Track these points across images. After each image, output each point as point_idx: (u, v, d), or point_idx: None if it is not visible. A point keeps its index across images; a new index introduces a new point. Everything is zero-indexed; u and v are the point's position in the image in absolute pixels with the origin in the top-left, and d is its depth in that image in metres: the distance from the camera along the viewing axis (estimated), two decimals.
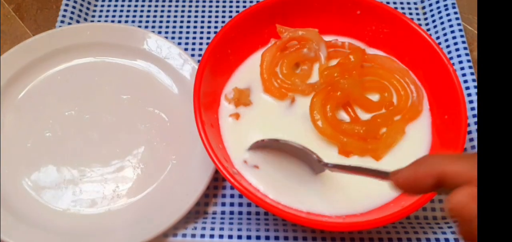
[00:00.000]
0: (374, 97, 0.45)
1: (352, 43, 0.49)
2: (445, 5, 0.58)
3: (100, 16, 0.60)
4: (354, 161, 0.42)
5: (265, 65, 0.46)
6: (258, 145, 0.41)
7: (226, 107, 0.45)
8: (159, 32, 0.58)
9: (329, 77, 0.44)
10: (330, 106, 0.43)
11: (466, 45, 0.55)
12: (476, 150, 0.48)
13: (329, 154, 0.42)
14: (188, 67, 0.51)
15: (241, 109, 0.45)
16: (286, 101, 0.45)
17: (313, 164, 0.40)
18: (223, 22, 0.59)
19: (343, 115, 0.44)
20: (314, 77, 0.46)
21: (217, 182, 0.48)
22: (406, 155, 0.42)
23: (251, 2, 0.61)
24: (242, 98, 0.45)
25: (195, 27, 0.59)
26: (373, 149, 0.42)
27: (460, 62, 0.54)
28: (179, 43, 0.57)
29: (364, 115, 0.44)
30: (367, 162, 0.42)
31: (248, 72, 0.47)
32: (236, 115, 0.44)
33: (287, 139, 0.42)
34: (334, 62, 0.47)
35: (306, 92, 0.45)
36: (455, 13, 0.57)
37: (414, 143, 0.43)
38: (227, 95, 0.45)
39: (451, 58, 0.54)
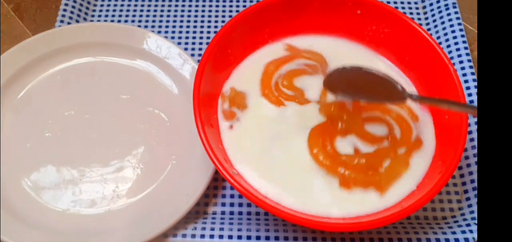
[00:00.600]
0: (376, 130, 0.44)
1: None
2: (446, 5, 0.58)
3: (99, 16, 0.60)
4: (359, 193, 0.40)
5: (268, 75, 0.46)
6: (338, 72, 0.41)
7: (221, 109, 0.45)
8: (159, 32, 0.58)
9: (328, 112, 0.43)
10: (330, 138, 0.42)
11: (466, 45, 0.55)
12: (476, 150, 0.48)
13: (329, 184, 0.41)
14: (188, 67, 0.51)
15: (237, 112, 0.44)
16: (282, 108, 0.45)
17: (395, 95, 0.40)
18: (223, 22, 0.59)
19: (346, 147, 0.42)
20: (313, 91, 0.46)
21: (217, 182, 0.48)
22: (409, 185, 0.41)
23: (251, 2, 0.61)
24: (238, 99, 0.45)
25: (195, 27, 0.59)
26: (376, 181, 0.40)
27: (461, 62, 0.54)
28: (179, 43, 0.57)
29: (367, 148, 0.42)
30: (371, 195, 0.40)
31: (247, 76, 0.47)
32: (231, 115, 0.44)
33: (282, 145, 0.43)
34: None
35: (303, 103, 0.45)
36: (456, 12, 0.57)
37: (416, 171, 0.41)
38: (224, 93, 0.45)
39: (451, 58, 0.54)
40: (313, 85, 0.46)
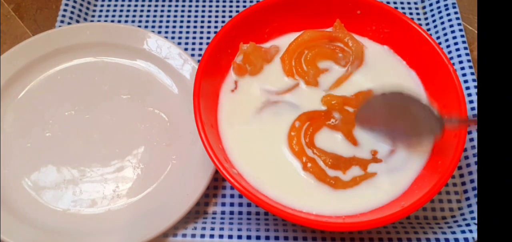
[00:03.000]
0: (365, 137, 0.43)
1: None
2: (446, 5, 0.58)
3: (100, 16, 0.60)
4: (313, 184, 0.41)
5: (298, 43, 0.47)
6: (375, 101, 0.41)
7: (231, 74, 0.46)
8: (159, 32, 0.58)
9: (329, 103, 0.44)
10: (315, 127, 0.42)
11: (466, 45, 0.55)
12: (476, 149, 0.48)
13: (295, 166, 0.41)
14: (188, 67, 0.51)
15: (247, 78, 0.46)
16: (290, 79, 0.45)
17: (433, 126, 0.38)
18: (223, 22, 0.59)
19: (327, 141, 0.43)
20: (327, 78, 0.46)
21: (217, 182, 0.48)
22: (367, 200, 0.40)
23: (251, 2, 0.61)
24: (253, 54, 0.45)
25: (195, 27, 0.59)
26: (331, 185, 0.40)
27: (460, 62, 0.54)
28: (179, 43, 0.57)
29: (347, 150, 0.42)
30: (324, 189, 0.40)
31: (282, 40, 0.48)
32: (240, 70, 0.45)
33: (270, 116, 0.44)
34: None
35: (310, 84, 0.45)
36: (456, 13, 0.57)
37: (381, 191, 0.40)
38: (242, 46, 0.46)
39: (451, 58, 0.54)
40: (332, 73, 0.46)
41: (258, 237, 0.44)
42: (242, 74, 0.45)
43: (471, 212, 0.46)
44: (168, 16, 0.60)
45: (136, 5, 0.60)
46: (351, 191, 0.40)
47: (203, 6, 0.61)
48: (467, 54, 0.54)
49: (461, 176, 0.48)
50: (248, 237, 0.44)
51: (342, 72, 0.46)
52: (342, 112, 0.43)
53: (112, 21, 0.59)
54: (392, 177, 0.41)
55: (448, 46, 0.55)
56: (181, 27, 0.59)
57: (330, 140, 0.43)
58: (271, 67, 0.47)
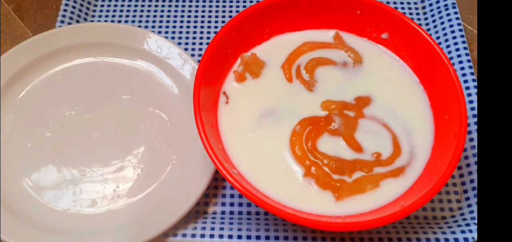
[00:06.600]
0: (367, 140, 0.43)
1: None
2: (445, 5, 0.58)
3: (100, 16, 0.60)
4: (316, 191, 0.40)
5: (298, 53, 0.47)
6: None
7: (232, 75, 0.46)
8: (159, 32, 0.58)
9: (328, 109, 0.44)
10: (316, 132, 0.43)
11: (466, 45, 0.55)
12: (476, 150, 0.48)
13: (296, 171, 0.41)
14: (188, 67, 0.51)
15: (248, 77, 0.46)
16: (290, 86, 0.46)
17: None
18: (223, 22, 0.59)
19: (329, 146, 0.43)
20: (328, 84, 0.46)
21: (217, 182, 0.48)
22: (371, 203, 0.40)
23: (251, 2, 0.61)
24: (253, 67, 0.46)
25: (195, 27, 0.59)
26: (336, 188, 0.40)
27: (460, 62, 0.54)
28: (179, 43, 0.57)
29: (349, 154, 0.42)
30: (327, 196, 0.40)
31: (279, 46, 0.48)
32: (241, 78, 0.45)
33: (271, 122, 0.44)
34: None
35: (311, 90, 0.45)
36: (455, 13, 0.57)
37: (385, 196, 0.40)
38: (243, 56, 0.46)
39: (451, 58, 0.54)
40: (333, 79, 0.46)
41: (258, 237, 0.44)
42: (242, 81, 0.45)
43: (471, 212, 0.46)
44: (168, 16, 0.60)
45: (136, 5, 0.60)
46: (355, 198, 0.40)
47: (203, 6, 0.61)
48: (467, 54, 0.54)
49: (461, 176, 0.48)
50: (248, 237, 0.44)
51: (342, 77, 0.46)
52: (343, 117, 0.43)
53: (112, 21, 0.59)
54: (396, 178, 0.41)
55: (448, 46, 0.55)
56: (181, 27, 0.59)
57: (332, 145, 0.43)
58: (272, 74, 0.47)
